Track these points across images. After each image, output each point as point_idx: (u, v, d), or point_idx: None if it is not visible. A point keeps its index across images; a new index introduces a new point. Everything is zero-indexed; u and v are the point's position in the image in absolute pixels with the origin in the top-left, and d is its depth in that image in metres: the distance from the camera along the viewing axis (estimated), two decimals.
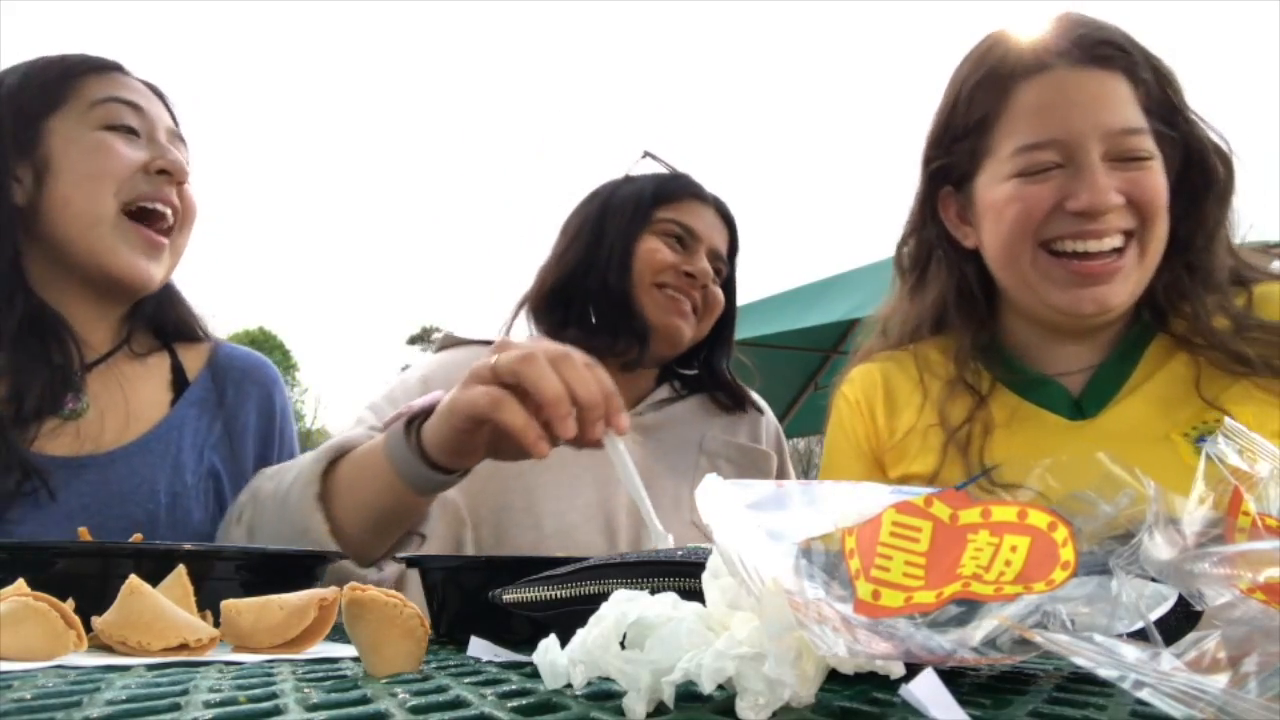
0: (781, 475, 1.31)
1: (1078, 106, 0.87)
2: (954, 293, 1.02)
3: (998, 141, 0.93)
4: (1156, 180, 0.88)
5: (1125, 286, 0.90)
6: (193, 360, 1.10)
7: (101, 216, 0.95)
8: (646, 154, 1.29)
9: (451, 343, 1.29)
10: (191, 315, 1.12)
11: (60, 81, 0.97)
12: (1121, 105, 0.88)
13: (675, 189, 1.25)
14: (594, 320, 1.21)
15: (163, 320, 1.09)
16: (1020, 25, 0.94)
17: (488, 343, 1.24)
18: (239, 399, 1.08)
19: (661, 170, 1.30)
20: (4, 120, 0.95)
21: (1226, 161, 0.93)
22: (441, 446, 0.80)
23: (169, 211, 0.99)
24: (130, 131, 0.98)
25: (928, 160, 1.01)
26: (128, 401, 0.99)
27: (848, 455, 1.07)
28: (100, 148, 0.95)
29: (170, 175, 0.99)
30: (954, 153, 0.98)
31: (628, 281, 1.19)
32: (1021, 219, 0.90)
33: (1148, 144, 0.88)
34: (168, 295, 1.09)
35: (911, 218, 1.06)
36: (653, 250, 1.20)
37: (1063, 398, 0.97)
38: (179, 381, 1.07)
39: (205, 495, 1.00)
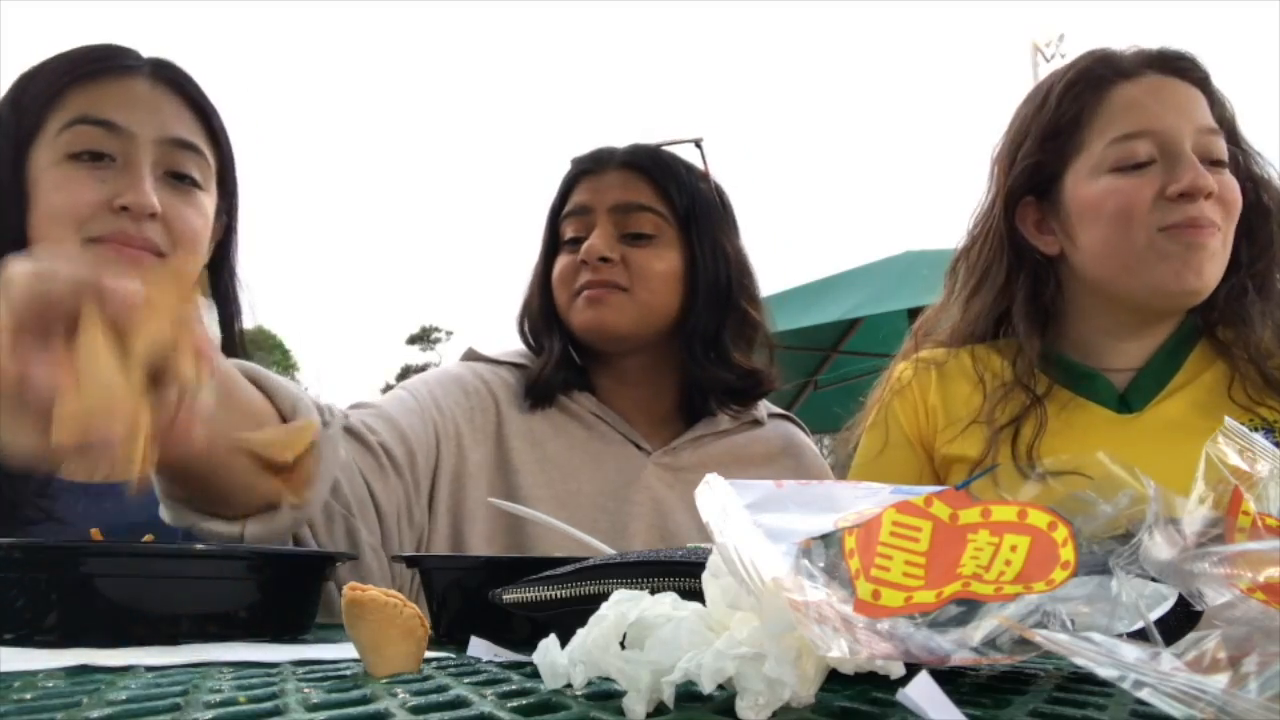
0: None
1: (1171, 106, 0.95)
2: (1026, 299, 1.05)
3: (1091, 137, 0.98)
4: (1234, 182, 0.95)
5: (1213, 267, 0.95)
6: None
7: None
8: (573, 162, 1.15)
9: (474, 357, 1.18)
10: (233, 343, 1.06)
11: (45, 99, 0.91)
12: (1204, 110, 0.96)
13: (566, 189, 1.12)
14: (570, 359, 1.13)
15: None
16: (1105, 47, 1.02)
17: (515, 364, 1.15)
18: None
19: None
20: (3, 150, 0.91)
21: (1275, 195, 1.00)
22: None
23: (135, 251, 0.91)
24: (100, 158, 0.90)
25: (1007, 167, 1.05)
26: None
27: (897, 444, 1.09)
28: (57, 185, 0.89)
29: (133, 214, 0.90)
30: (1044, 151, 1.01)
31: (557, 315, 1.11)
32: (1123, 209, 0.95)
33: (1225, 148, 0.96)
34: (218, 317, 1.04)
35: (978, 225, 1.10)
36: (557, 269, 1.10)
37: (1109, 392, 1.02)
38: None
39: None
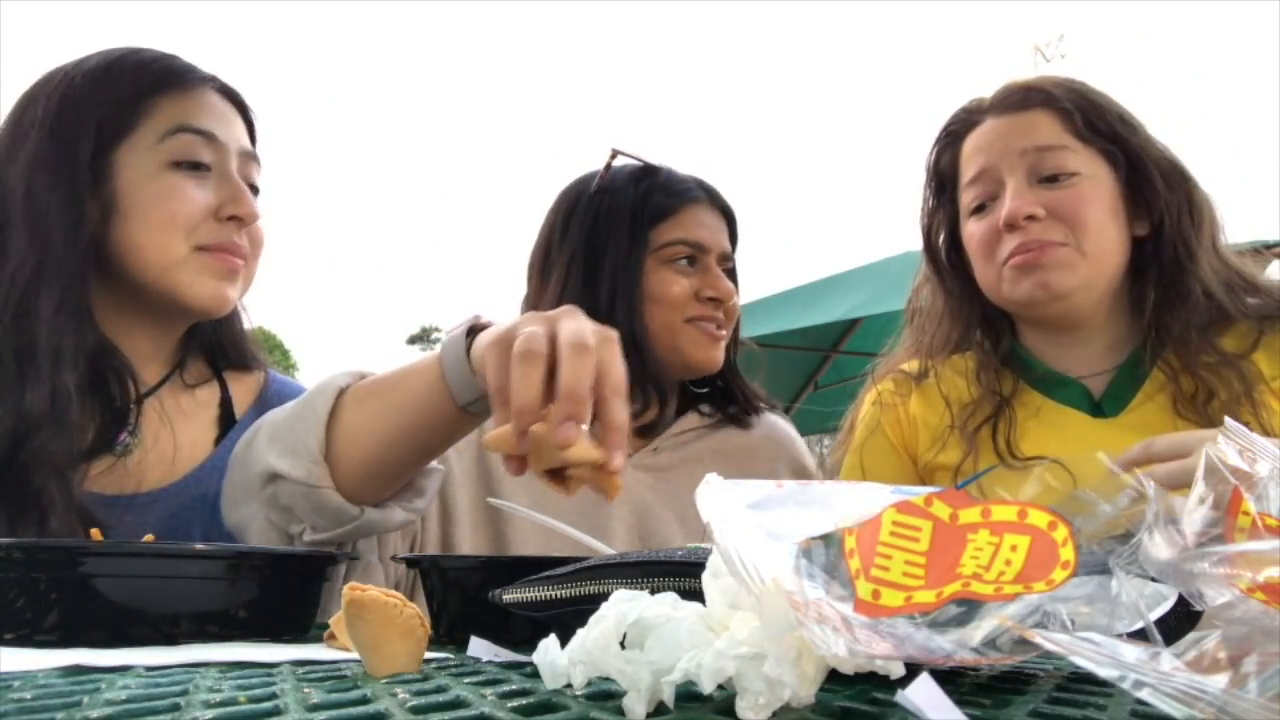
0: None
1: (999, 143, 1.04)
2: (967, 320, 1.14)
3: (960, 187, 1.10)
4: (1079, 193, 1.01)
5: (1071, 275, 1.01)
6: (243, 393, 1.06)
7: (175, 260, 0.91)
8: (616, 153, 1.15)
9: None
10: (246, 343, 1.07)
11: (132, 102, 0.91)
12: (1038, 131, 1.03)
13: (670, 201, 1.12)
14: None
15: (218, 346, 1.05)
16: (968, 99, 1.14)
17: None
18: None
19: (637, 167, 1.17)
20: (79, 145, 0.89)
21: (1172, 172, 1.04)
22: (478, 365, 0.73)
23: (238, 260, 0.95)
24: (200, 167, 0.93)
25: (925, 221, 1.17)
26: (175, 437, 0.96)
27: (883, 453, 1.14)
28: (169, 193, 0.90)
29: (241, 221, 0.94)
30: (940, 205, 1.15)
31: (642, 325, 1.08)
32: (980, 249, 1.06)
33: (1070, 161, 1.02)
34: (228, 321, 1.04)
35: (918, 274, 1.21)
36: (667, 284, 1.09)
37: (1083, 396, 1.06)
38: (226, 416, 1.03)
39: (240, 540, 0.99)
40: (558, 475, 0.61)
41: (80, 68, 0.94)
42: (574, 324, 0.64)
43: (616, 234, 1.11)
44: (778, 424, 1.24)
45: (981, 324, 1.13)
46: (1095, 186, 1.02)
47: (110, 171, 0.91)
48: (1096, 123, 1.03)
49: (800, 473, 1.23)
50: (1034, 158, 1.02)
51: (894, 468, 1.13)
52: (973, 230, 1.06)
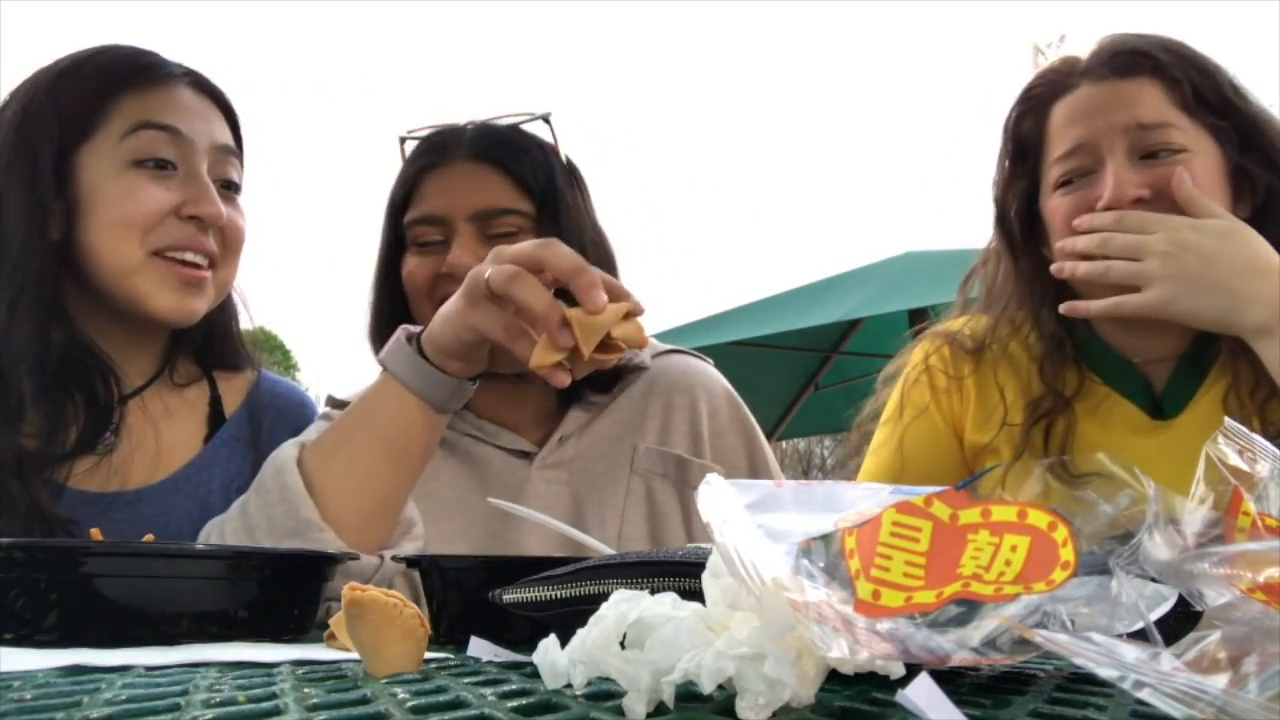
0: (752, 473, 1.07)
1: (1099, 113, 0.96)
2: (1051, 293, 1.04)
3: (1044, 157, 1.02)
4: (1182, 170, 0.92)
5: None
6: (232, 393, 1.05)
7: (130, 266, 0.90)
8: (403, 139, 1.05)
9: (334, 404, 1.05)
10: (235, 342, 1.07)
11: (94, 102, 0.90)
12: (1142, 105, 0.95)
13: (407, 184, 1.01)
14: None
15: (208, 345, 1.05)
16: (1055, 58, 1.06)
17: None
18: (272, 440, 0.99)
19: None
20: (41, 147, 0.88)
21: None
22: (446, 354, 0.78)
23: (202, 259, 0.93)
24: (164, 165, 0.91)
25: (1000, 190, 1.08)
26: (159, 437, 0.96)
27: (921, 415, 1.08)
28: (127, 193, 0.89)
29: (202, 222, 0.92)
30: (1017, 174, 1.06)
31: (417, 317, 0.98)
32: (1062, 227, 0.97)
33: (1175, 138, 0.94)
34: (218, 320, 1.03)
35: (991, 241, 1.12)
36: (409, 274, 0.99)
37: (1143, 392, 1.01)
38: (215, 415, 1.03)
39: None
40: (605, 349, 0.70)
41: (49, 69, 0.93)
42: (505, 248, 0.75)
43: (383, 233, 1.04)
44: (680, 362, 1.12)
45: (1054, 308, 1.02)
46: (1202, 164, 0.94)
47: (75, 172, 0.89)
48: (1207, 94, 0.95)
49: (723, 394, 1.10)
50: (1136, 135, 0.94)
51: (943, 450, 1.07)
52: (1058, 205, 0.98)
